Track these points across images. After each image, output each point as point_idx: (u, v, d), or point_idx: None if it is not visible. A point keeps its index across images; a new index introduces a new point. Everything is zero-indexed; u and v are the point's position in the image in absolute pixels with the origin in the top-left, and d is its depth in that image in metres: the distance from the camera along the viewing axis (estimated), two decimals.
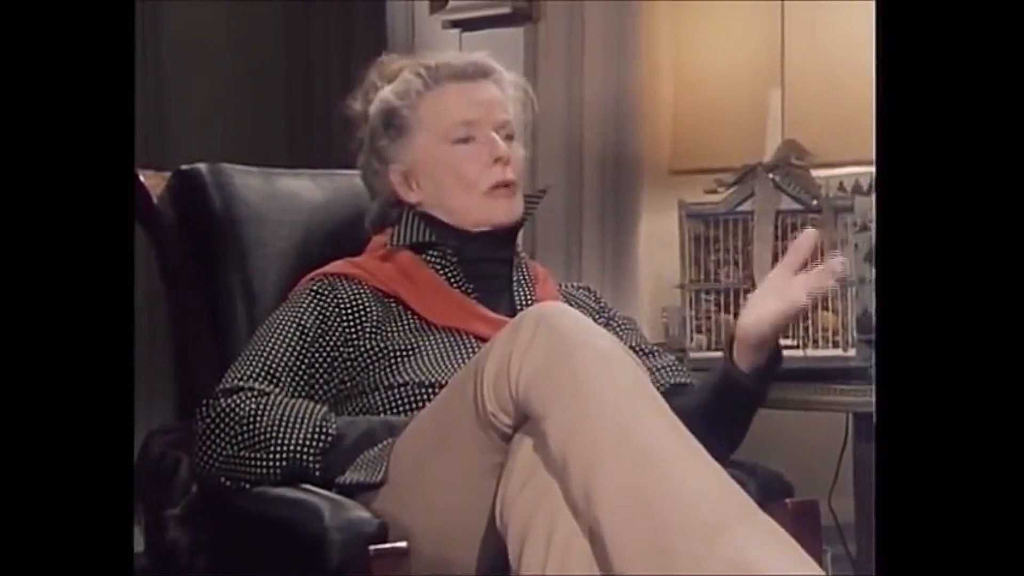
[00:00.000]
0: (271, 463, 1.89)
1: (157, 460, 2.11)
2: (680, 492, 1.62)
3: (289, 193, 2.31)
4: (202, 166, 2.26)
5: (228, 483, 1.91)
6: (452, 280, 2.12)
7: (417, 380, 2.00)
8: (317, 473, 1.90)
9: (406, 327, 2.06)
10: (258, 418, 1.91)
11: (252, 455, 1.90)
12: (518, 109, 2.20)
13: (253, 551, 1.93)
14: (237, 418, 1.91)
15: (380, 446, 1.90)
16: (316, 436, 1.90)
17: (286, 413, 1.91)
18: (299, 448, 1.89)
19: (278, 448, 1.89)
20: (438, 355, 2.03)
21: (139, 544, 1.94)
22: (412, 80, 2.17)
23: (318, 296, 2.06)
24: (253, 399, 1.93)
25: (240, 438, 1.90)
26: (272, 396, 1.94)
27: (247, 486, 1.90)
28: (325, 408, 1.95)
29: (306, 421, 1.91)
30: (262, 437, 1.90)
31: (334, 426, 1.92)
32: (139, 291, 1.70)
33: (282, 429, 1.90)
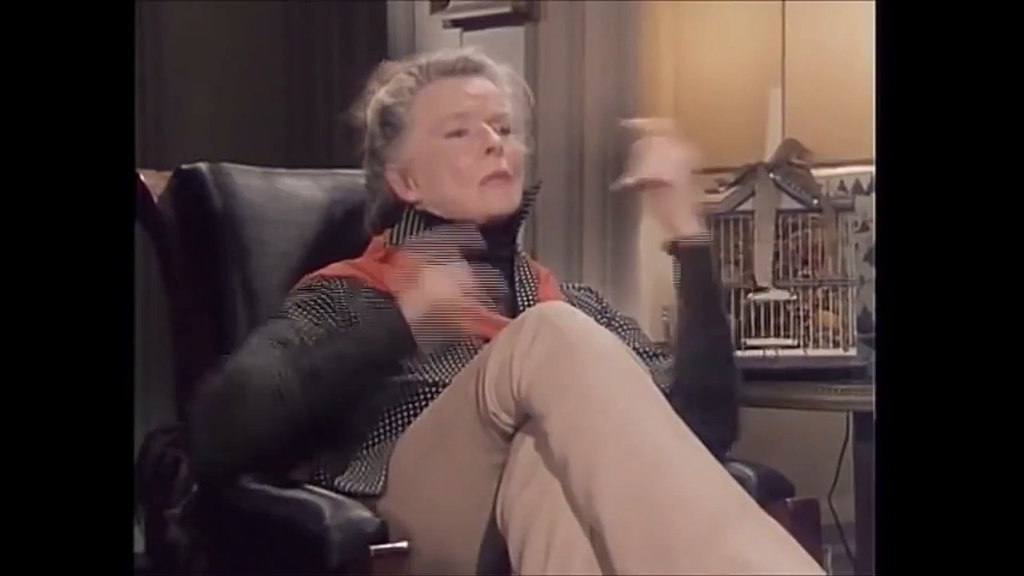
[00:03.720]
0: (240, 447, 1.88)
1: (157, 460, 2.11)
2: (681, 491, 1.62)
3: (289, 193, 2.31)
4: (203, 166, 2.26)
5: (217, 470, 1.90)
6: None
7: (417, 379, 1.99)
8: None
9: (404, 327, 2.05)
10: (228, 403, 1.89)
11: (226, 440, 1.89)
12: (514, 103, 2.20)
13: (253, 551, 1.93)
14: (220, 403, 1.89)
15: (379, 451, 1.90)
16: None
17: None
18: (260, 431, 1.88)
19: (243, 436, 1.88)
20: (437, 353, 2.02)
21: (139, 544, 1.94)
22: (405, 79, 2.18)
23: (314, 295, 2.05)
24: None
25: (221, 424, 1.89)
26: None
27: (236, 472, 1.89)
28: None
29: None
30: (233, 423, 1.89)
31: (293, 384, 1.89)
32: (139, 291, 1.70)
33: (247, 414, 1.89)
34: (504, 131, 2.16)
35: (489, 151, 2.12)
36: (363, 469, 1.90)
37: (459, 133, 2.14)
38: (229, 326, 2.20)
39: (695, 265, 2.07)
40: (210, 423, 1.89)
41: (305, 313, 2.03)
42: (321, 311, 2.03)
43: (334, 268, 2.12)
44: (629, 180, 2.07)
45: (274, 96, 4.41)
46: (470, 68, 2.18)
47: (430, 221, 2.15)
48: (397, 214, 2.18)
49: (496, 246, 2.15)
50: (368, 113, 2.20)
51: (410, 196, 2.17)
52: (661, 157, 2.08)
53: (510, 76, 2.22)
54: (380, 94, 2.19)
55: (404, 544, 1.76)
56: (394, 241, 2.15)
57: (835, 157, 2.78)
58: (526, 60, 3.29)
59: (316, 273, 2.11)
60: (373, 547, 1.75)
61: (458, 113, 2.14)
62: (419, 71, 2.18)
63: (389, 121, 2.17)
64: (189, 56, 4.28)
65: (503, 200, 2.13)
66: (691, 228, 2.07)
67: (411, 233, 2.15)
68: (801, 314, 2.61)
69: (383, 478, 1.87)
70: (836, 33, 2.82)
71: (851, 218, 2.63)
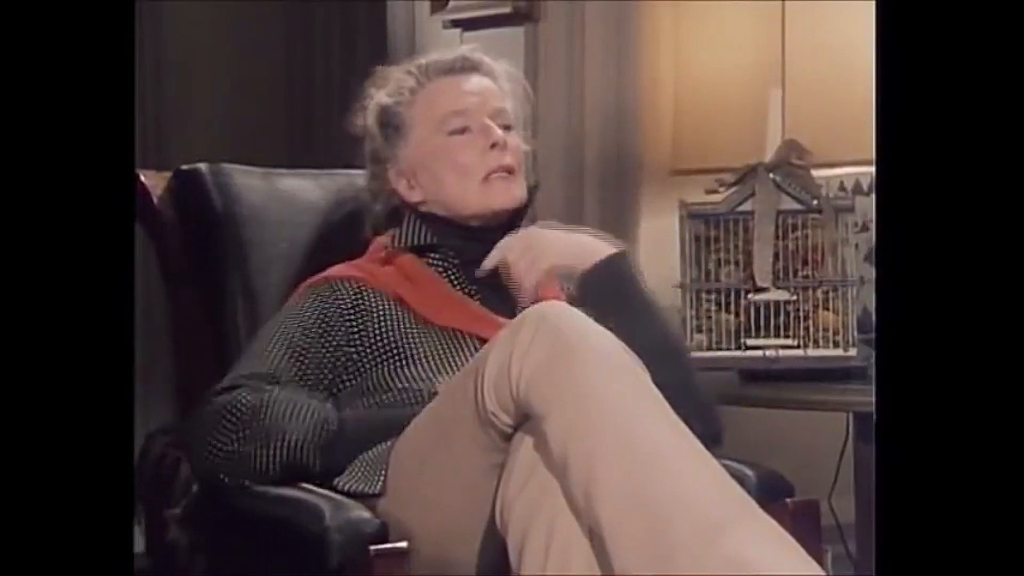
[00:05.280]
0: (271, 458, 1.88)
1: (157, 460, 2.11)
2: (680, 491, 1.62)
3: (289, 193, 2.31)
4: (202, 166, 2.26)
5: (227, 479, 1.90)
6: (454, 281, 2.12)
7: (417, 386, 1.99)
8: (317, 468, 1.89)
9: (409, 330, 2.06)
10: (258, 413, 1.90)
11: (252, 450, 1.89)
12: (514, 100, 2.20)
13: (253, 551, 1.93)
14: (238, 413, 1.90)
15: (379, 452, 1.90)
16: (316, 431, 1.90)
17: (287, 408, 1.91)
18: (299, 443, 1.89)
19: (278, 443, 1.89)
20: (440, 357, 2.03)
21: (139, 544, 1.93)
22: (404, 79, 2.18)
23: (319, 298, 2.06)
24: (254, 394, 1.92)
25: (240, 433, 1.89)
26: (273, 392, 1.94)
27: (246, 482, 1.90)
28: (328, 404, 1.95)
29: (307, 416, 1.90)
30: (262, 432, 1.89)
31: (335, 421, 1.91)
32: (139, 291, 1.70)
33: (282, 423, 1.89)
34: (505, 127, 2.16)
35: (493, 146, 2.12)
36: (362, 469, 1.90)
37: (462, 130, 2.14)
38: (229, 326, 2.20)
39: (593, 296, 1.99)
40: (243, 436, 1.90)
41: (310, 311, 2.04)
42: (326, 309, 2.04)
43: (338, 270, 2.12)
44: (485, 267, 2.06)
45: (274, 96, 4.41)
46: (468, 66, 2.18)
47: (432, 223, 2.15)
48: (399, 215, 2.18)
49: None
50: (367, 116, 2.20)
51: (413, 197, 2.17)
52: (504, 244, 2.05)
53: (508, 73, 2.22)
54: (379, 96, 2.19)
55: (404, 544, 1.76)
56: (397, 244, 2.15)
57: (835, 157, 2.78)
58: (526, 60, 3.29)
59: (320, 276, 2.11)
60: (373, 547, 1.75)
61: (459, 111, 2.14)
62: (418, 71, 2.18)
63: (389, 122, 2.17)
64: (189, 56, 4.28)
65: (506, 196, 2.13)
66: (531, 293, 2.01)
67: (413, 237, 2.14)
68: (801, 314, 2.61)
69: (382, 478, 1.87)
70: (836, 33, 2.82)
71: (851, 218, 2.64)
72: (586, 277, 2.00)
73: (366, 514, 1.79)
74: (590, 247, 2.04)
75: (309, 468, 1.89)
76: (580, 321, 1.77)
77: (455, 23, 3.48)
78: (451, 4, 3.50)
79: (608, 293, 1.90)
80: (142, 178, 2.24)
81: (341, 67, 4.21)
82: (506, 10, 3.36)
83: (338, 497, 1.83)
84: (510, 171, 2.13)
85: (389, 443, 1.90)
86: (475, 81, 2.17)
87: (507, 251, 2.04)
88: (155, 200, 2.23)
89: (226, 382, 1.97)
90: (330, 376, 2.02)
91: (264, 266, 2.23)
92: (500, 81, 2.20)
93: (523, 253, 2.02)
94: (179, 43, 4.27)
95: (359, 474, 1.90)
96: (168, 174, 2.27)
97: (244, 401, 1.91)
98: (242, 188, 2.26)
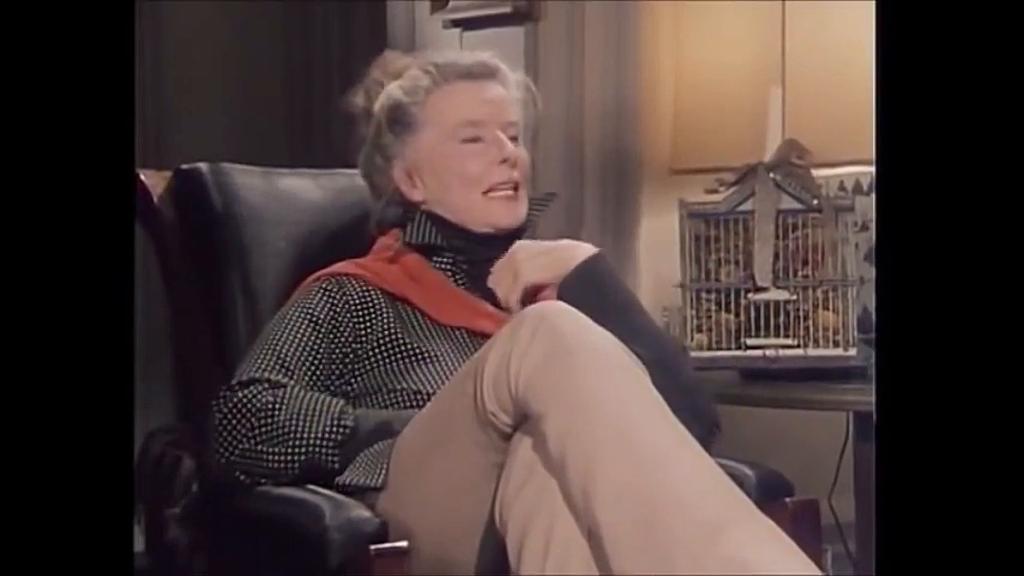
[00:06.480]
0: (289, 457, 1.89)
1: (157, 460, 2.11)
2: (679, 492, 1.62)
3: (289, 193, 2.31)
4: (202, 165, 2.26)
5: (244, 478, 1.90)
6: (459, 282, 2.12)
7: (425, 389, 1.99)
8: (336, 466, 1.89)
9: (416, 329, 2.06)
10: (275, 411, 1.90)
11: (270, 449, 1.89)
12: (523, 110, 2.20)
13: (253, 551, 1.93)
14: (254, 411, 1.90)
15: (381, 447, 1.90)
16: (333, 429, 1.90)
17: (303, 406, 1.91)
18: (317, 441, 1.89)
19: (296, 442, 1.89)
20: (448, 356, 2.02)
21: (139, 544, 1.93)
22: (420, 77, 2.17)
23: (327, 293, 2.06)
24: (269, 391, 1.92)
25: (257, 431, 1.89)
26: (288, 388, 1.94)
27: (264, 481, 1.90)
28: (342, 401, 1.95)
29: (323, 414, 1.90)
30: (280, 431, 1.89)
31: (351, 418, 1.91)
32: (139, 291, 1.70)
33: (300, 422, 1.89)
34: (514, 139, 2.16)
35: (504, 161, 2.12)
36: (364, 462, 1.90)
37: (473, 140, 2.14)
38: (229, 326, 2.20)
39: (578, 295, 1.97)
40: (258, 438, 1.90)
41: (320, 306, 2.04)
42: (335, 305, 2.04)
43: (344, 267, 2.12)
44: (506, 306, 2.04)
45: (274, 96, 4.41)
46: (486, 73, 2.17)
47: (438, 224, 2.14)
48: (401, 213, 2.18)
49: (502, 252, 2.14)
50: (375, 105, 2.19)
51: (416, 195, 2.17)
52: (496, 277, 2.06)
53: (519, 82, 2.21)
54: (391, 89, 2.17)
55: (404, 544, 1.76)
56: (406, 241, 2.14)
57: (835, 157, 2.78)
58: (526, 60, 3.29)
59: (327, 271, 2.11)
60: (373, 546, 1.75)
61: (474, 120, 2.13)
62: (435, 70, 2.17)
63: (400, 119, 2.16)
64: (189, 56, 4.28)
65: (509, 212, 2.14)
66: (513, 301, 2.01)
67: (422, 236, 2.14)
68: (801, 314, 2.61)
69: (384, 471, 1.87)
70: (836, 33, 2.82)
71: (851, 218, 2.63)
72: (564, 287, 2.00)
73: (366, 513, 1.79)
74: (565, 256, 2.04)
75: (327, 467, 1.89)
76: (579, 321, 1.77)
77: (455, 23, 3.48)
78: (451, 4, 3.50)
79: (587, 297, 1.90)
80: (142, 178, 2.24)
81: (341, 67, 4.21)
82: (506, 10, 3.36)
83: (338, 497, 1.83)
84: (516, 187, 2.14)
85: (390, 442, 1.90)
86: (491, 89, 2.16)
87: (493, 278, 2.05)
88: (155, 200, 2.23)
89: (241, 375, 1.96)
90: (339, 372, 2.03)
91: (264, 266, 2.23)
92: (512, 90, 2.19)
93: (504, 278, 2.04)
94: (179, 43, 4.27)
95: (361, 467, 1.90)
96: (168, 174, 2.27)
97: (259, 398, 1.91)
98: (242, 187, 2.26)
